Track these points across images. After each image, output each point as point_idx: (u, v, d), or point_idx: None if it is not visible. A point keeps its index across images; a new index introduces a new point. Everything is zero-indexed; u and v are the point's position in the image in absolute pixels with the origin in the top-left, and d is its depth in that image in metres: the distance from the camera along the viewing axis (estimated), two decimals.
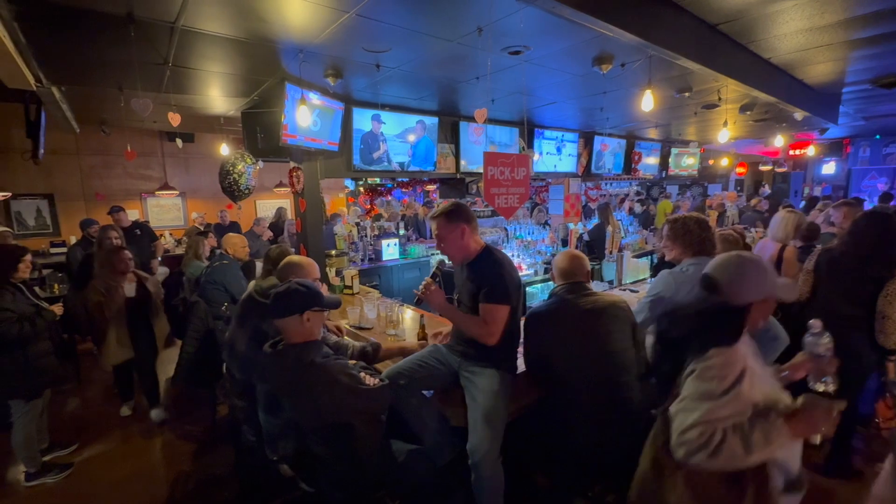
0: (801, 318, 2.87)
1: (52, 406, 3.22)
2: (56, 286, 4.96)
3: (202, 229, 6.51)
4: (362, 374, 1.80)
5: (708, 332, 1.23)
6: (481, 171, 5.02)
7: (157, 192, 7.65)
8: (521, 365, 2.21)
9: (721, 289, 1.33)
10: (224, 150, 4.74)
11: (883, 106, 6.12)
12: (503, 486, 1.94)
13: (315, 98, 3.42)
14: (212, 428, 3.43)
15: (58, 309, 2.85)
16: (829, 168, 9.96)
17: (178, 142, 3.65)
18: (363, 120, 4.12)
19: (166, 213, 8.17)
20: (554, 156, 5.81)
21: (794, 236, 3.44)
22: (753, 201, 7.50)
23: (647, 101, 2.92)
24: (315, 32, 2.41)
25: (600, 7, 2.25)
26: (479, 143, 5.14)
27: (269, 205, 9.01)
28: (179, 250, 6.84)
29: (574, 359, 1.91)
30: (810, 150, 8.09)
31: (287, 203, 9.05)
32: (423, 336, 2.57)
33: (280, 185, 8.62)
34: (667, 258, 2.32)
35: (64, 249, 5.64)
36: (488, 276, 1.90)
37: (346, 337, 2.57)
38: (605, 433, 1.85)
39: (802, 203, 7.36)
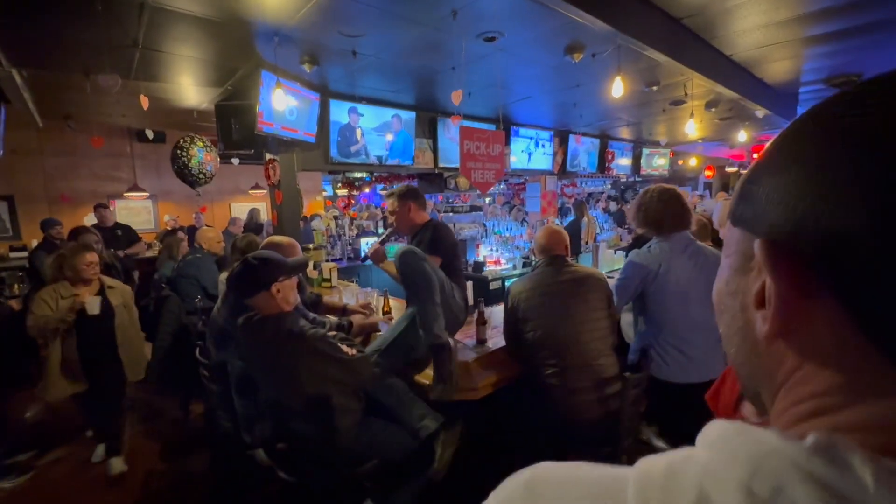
0: None
1: (14, 407, 3.05)
2: (16, 286, 4.73)
3: (168, 231, 6.36)
4: (342, 346, 1.78)
5: None
6: (458, 167, 5.09)
7: (126, 195, 7.38)
8: (499, 342, 2.24)
9: None
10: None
11: None
12: None
13: (291, 86, 3.41)
14: (185, 427, 3.31)
15: (16, 304, 2.73)
16: None
17: (149, 132, 3.54)
18: (340, 112, 4.11)
19: (136, 216, 7.91)
20: (530, 153, 5.92)
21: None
22: (712, 200, 7.84)
23: (617, 88, 3.02)
24: (291, 12, 2.41)
25: None
26: (455, 139, 5.19)
27: (245, 207, 8.84)
28: (150, 254, 6.63)
29: (552, 326, 1.94)
30: None
31: (263, 206, 8.92)
32: (388, 310, 2.77)
33: (256, 186, 8.48)
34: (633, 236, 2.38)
35: (25, 254, 5.39)
36: (425, 238, 2.33)
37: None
38: (580, 398, 1.88)
39: None
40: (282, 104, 2.99)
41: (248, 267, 1.69)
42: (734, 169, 10.62)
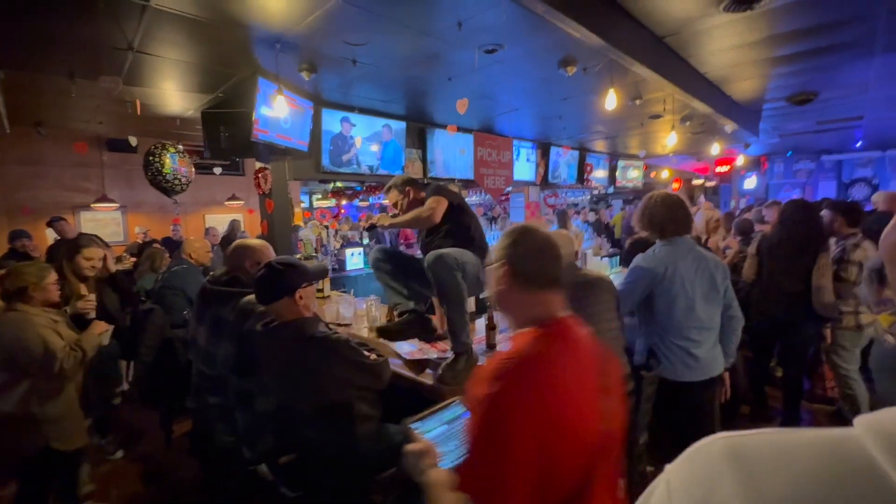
0: (749, 297, 3.18)
1: None
2: None
3: (142, 243, 6.09)
4: (363, 351, 1.76)
5: None
6: (447, 177, 5.14)
7: (93, 206, 7.04)
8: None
9: None
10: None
11: (794, 124, 6.96)
12: None
13: (287, 94, 3.38)
14: (168, 447, 3.14)
15: None
16: (750, 182, 11.07)
17: (132, 139, 3.42)
18: (332, 121, 4.10)
19: (103, 227, 7.54)
20: (514, 163, 6.05)
21: (708, 230, 3.99)
22: (694, 209, 8.22)
23: (611, 100, 3.16)
24: (297, 19, 2.41)
25: (570, 7, 2.44)
26: (444, 148, 5.26)
27: (221, 219, 8.59)
28: (120, 266, 6.32)
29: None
30: (739, 160, 9.01)
31: (240, 216, 8.69)
32: (390, 319, 2.66)
33: (233, 198, 8.26)
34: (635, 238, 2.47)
35: None
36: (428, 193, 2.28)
37: None
38: None
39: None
40: (282, 111, 2.96)
41: (274, 272, 1.66)
42: (700, 181, 11.18)
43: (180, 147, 4.38)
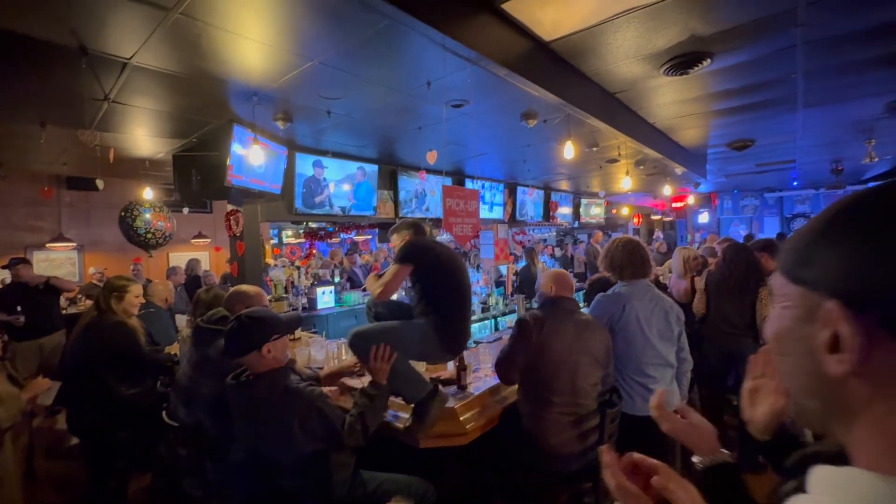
0: (701, 331, 3.40)
1: None
2: None
3: (100, 286, 5.84)
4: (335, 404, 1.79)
5: None
6: (420, 216, 5.29)
7: (48, 245, 6.75)
8: (480, 386, 2.34)
9: None
10: (148, 194, 4.46)
11: (736, 166, 7.60)
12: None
13: (261, 140, 3.47)
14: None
15: None
16: (703, 217, 11.83)
17: (99, 182, 3.38)
18: (305, 165, 4.20)
19: (57, 268, 7.22)
20: (483, 203, 6.29)
21: (689, 269, 4.12)
22: (657, 245, 8.66)
23: (568, 150, 3.42)
24: (275, 77, 2.54)
25: (529, 71, 2.69)
26: (415, 191, 5.44)
27: (186, 257, 8.36)
28: (74, 309, 6.05)
29: (565, 362, 2.04)
30: (690, 200, 9.64)
31: (205, 255, 8.50)
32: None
33: (199, 235, 8.10)
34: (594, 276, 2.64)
35: None
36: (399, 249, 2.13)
37: None
38: (566, 434, 2.01)
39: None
40: (257, 158, 3.04)
41: (242, 326, 1.67)
42: (658, 217, 11.88)
43: (157, 203, 4.39)
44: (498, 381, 2.28)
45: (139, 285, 2.85)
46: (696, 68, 2.93)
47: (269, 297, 4.59)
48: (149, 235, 4.32)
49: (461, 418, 2.09)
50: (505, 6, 2.23)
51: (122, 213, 4.27)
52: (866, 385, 0.36)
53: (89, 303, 5.37)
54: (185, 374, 2.18)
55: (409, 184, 5.36)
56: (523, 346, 2.07)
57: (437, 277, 2.03)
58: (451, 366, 2.54)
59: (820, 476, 0.37)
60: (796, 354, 0.42)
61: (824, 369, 0.38)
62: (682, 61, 2.84)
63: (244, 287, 2.38)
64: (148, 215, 4.28)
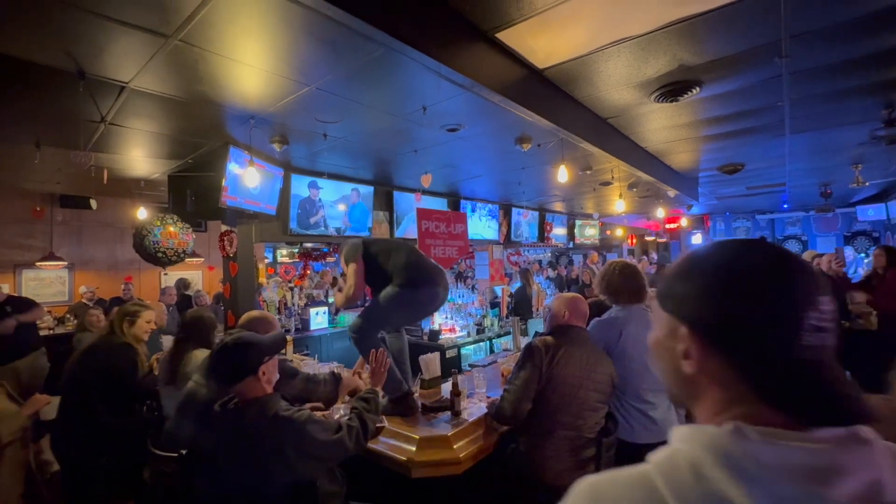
0: None
1: None
2: None
3: (90, 304, 5.73)
4: (324, 420, 1.74)
5: None
6: (414, 237, 5.30)
7: (38, 264, 6.66)
8: (474, 412, 2.30)
9: None
10: (142, 213, 4.44)
11: (728, 188, 7.72)
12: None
13: (257, 162, 3.49)
14: None
15: None
16: (696, 239, 11.93)
17: (93, 202, 3.37)
18: (301, 186, 4.22)
19: (46, 287, 7.10)
20: (478, 223, 6.32)
21: None
22: (651, 267, 8.72)
23: (563, 174, 3.46)
24: (272, 101, 2.57)
25: (523, 97, 2.74)
26: (408, 212, 5.46)
27: (178, 276, 8.29)
28: (61, 330, 5.94)
29: (575, 395, 2.00)
30: (683, 222, 9.75)
31: (198, 274, 8.42)
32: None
33: (193, 255, 8.02)
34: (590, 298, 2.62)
35: None
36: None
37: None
38: (565, 462, 1.96)
39: None
40: (253, 180, 3.05)
41: (233, 352, 1.63)
42: (652, 238, 11.98)
43: (168, 219, 4.43)
44: None
45: (152, 311, 2.80)
46: (685, 96, 3.00)
47: None
48: (158, 254, 4.36)
49: (454, 446, 2.04)
50: (499, 35, 2.28)
51: (135, 231, 4.33)
52: (705, 378, 0.55)
53: (77, 323, 5.27)
54: (212, 389, 2.05)
55: (406, 198, 5.37)
56: (536, 375, 2.01)
57: (384, 256, 2.27)
58: (445, 391, 2.50)
59: (677, 432, 0.52)
60: (666, 359, 0.60)
61: (681, 369, 0.56)
62: (671, 89, 2.91)
63: (256, 313, 2.29)
64: (158, 233, 4.33)
